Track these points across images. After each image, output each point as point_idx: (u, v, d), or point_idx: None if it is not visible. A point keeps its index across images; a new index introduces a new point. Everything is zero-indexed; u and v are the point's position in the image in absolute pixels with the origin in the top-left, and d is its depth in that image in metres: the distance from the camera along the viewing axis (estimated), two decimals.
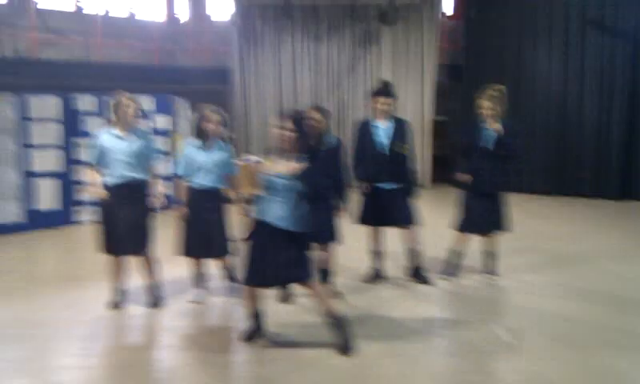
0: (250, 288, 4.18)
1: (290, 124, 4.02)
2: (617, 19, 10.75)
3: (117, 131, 4.87)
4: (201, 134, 4.92)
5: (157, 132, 9.85)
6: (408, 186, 5.43)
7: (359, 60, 13.12)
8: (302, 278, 4.10)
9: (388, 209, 5.34)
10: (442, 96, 13.01)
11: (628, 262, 6.48)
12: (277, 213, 4.00)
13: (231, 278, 5.25)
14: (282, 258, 3.99)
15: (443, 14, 13.35)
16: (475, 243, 5.76)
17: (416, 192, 5.51)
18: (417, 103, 12.74)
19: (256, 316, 4.29)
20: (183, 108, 10.84)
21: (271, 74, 13.09)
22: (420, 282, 5.61)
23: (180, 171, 4.99)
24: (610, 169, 11.04)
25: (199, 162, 4.89)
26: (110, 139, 4.85)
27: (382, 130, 5.39)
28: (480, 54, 12.57)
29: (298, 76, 13.13)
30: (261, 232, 4.06)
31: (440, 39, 12.98)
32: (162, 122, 10.09)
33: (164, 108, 10.13)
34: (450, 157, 11.82)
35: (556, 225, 8.86)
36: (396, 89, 13.03)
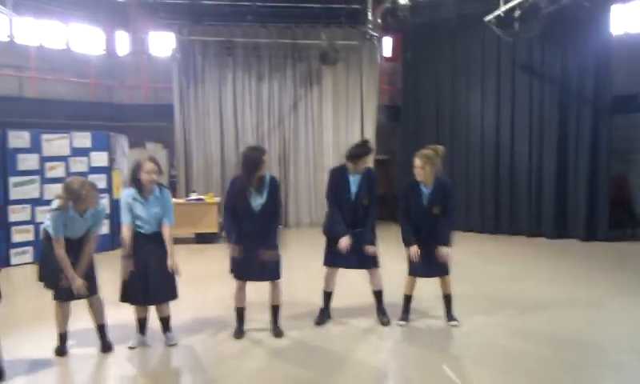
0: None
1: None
2: (544, 63, 11.37)
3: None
4: (137, 183, 4.84)
5: (94, 169, 9.58)
6: (371, 231, 5.59)
7: (301, 99, 13.29)
8: None
9: (354, 252, 5.46)
10: (383, 135, 13.30)
11: (571, 303, 6.70)
12: None
13: (167, 325, 5.16)
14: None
15: (382, 55, 13.74)
16: (432, 287, 5.84)
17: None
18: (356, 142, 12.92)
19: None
20: (121, 145, 10.59)
21: (212, 112, 13.00)
22: (381, 323, 5.68)
23: (124, 220, 4.84)
24: (543, 208, 11.53)
25: (137, 213, 4.82)
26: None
27: (353, 181, 5.54)
28: (416, 95, 13.02)
29: (239, 113, 13.10)
30: None
31: (379, 80, 13.34)
32: (98, 159, 9.79)
33: (101, 145, 9.84)
34: (390, 195, 12.06)
35: (498, 264, 9.10)
36: (338, 128, 13.46)
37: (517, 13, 9.19)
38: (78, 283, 4.62)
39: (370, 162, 5.79)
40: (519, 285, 7.57)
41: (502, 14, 9.60)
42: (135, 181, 4.84)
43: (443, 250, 5.44)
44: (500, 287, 7.40)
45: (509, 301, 6.67)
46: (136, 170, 4.83)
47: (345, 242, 5.40)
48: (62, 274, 4.62)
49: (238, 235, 5.07)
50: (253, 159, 5.04)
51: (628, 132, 11.36)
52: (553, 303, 6.59)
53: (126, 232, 4.80)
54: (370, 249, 5.50)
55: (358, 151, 5.54)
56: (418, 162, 5.44)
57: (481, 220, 12.07)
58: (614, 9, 10.93)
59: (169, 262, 4.83)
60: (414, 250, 5.43)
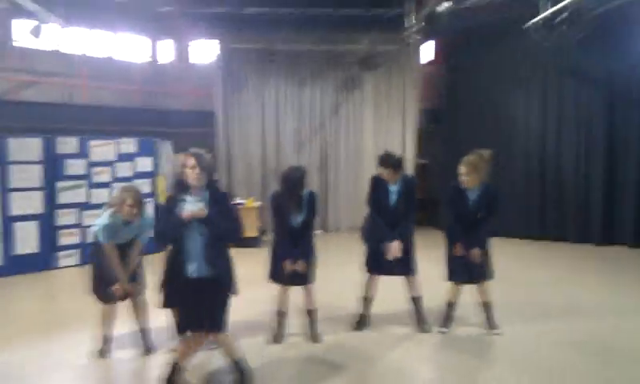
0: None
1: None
2: (589, 67, 11.07)
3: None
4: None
5: (139, 174, 9.83)
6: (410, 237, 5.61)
7: (341, 104, 13.31)
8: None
9: (395, 259, 5.47)
10: (424, 140, 13.20)
11: (620, 312, 6.50)
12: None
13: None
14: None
15: (425, 61, 13.60)
16: (471, 295, 5.75)
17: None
18: (399, 146, 12.88)
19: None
20: (165, 150, 10.84)
21: (254, 117, 13.15)
22: (421, 330, 5.65)
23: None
24: (591, 214, 11.21)
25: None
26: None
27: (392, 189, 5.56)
28: (459, 99, 12.84)
29: (280, 119, 13.21)
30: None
31: (420, 84, 13.23)
32: (143, 164, 10.04)
33: (146, 150, 10.09)
34: (431, 199, 11.92)
35: (542, 270, 8.89)
36: (378, 132, 13.38)
37: (560, 17, 8.98)
38: (127, 286, 4.77)
39: (408, 167, 5.77)
40: (564, 292, 7.37)
41: (543, 20, 9.41)
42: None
43: (475, 252, 5.35)
44: (544, 294, 7.22)
45: (553, 308, 6.50)
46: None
47: (395, 247, 5.39)
48: (111, 277, 4.76)
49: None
50: (294, 180, 5.08)
51: None
52: (599, 311, 6.40)
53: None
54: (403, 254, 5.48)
55: (395, 161, 5.53)
56: (463, 169, 5.37)
57: (526, 225, 11.77)
58: None
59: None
60: (458, 246, 5.37)
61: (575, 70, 11.23)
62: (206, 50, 13.89)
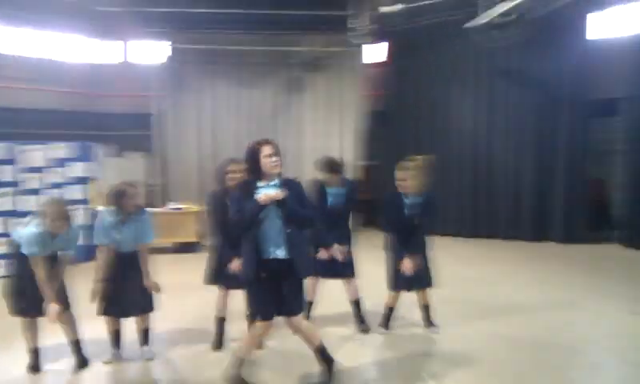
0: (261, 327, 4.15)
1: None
2: (523, 69, 11.51)
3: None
4: (118, 209, 4.76)
5: (70, 180, 9.46)
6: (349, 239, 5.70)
7: (284, 106, 13.22)
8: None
9: (335, 262, 5.47)
10: (370, 141, 13.25)
11: (550, 306, 6.74)
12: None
13: (146, 338, 5.09)
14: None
15: (370, 63, 13.69)
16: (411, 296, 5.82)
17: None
18: (340, 149, 12.88)
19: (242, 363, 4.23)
20: (99, 155, 10.46)
21: (193, 119, 12.94)
22: (361, 331, 5.68)
23: (98, 241, 4.77)
24: (522, 212, 11.63)
25: (115, 236, 4.77)
26: None
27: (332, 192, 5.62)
28: (404, 101, 13.05)
29: (221, 121, 13.05)
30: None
31: (364, 86, 13.31)
32: (75, 169, 9.63)
33: (77, 155, 9.67)
34: (375, 201, 12.02)
35: (476, 268, 9.14)
36: (320, 134, 13.34)
37: (496, 20, 9.28)
38: (53, 307, 4.53)
39: (350, 170, 5.84)
40: (498, 288, 7.64)
41: (481, 22, 9.69)
42: (117, 206, 4.76)
43: (416, 260, 5.37)
44: (479, 291, 7.45)
45: (487, 305, 6.70)
46: (119, 196, 4.76)
47: (335, 251, 5.41)
48: (33, 290, 4.53)
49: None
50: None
51: (605, 135, 11.49)
52: (531, 306, 6.65)
53: (102, 254, 4.75)
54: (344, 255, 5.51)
55: (335, 165, 5.58)
56: (399, 174, 5.39)
57: (459, 224, 12.12)
58: (591, 16, 11.10)
59: (145, 282, 4.82)
60: (407, 262, 5.33)
61: (509, 71, 11.63)
62: (147, 51, 13.55)
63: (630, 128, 10.74)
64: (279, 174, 4.09)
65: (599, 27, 11.22)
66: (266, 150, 4.05)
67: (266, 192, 3.92)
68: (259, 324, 4.16)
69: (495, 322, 6.07)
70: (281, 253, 3.99)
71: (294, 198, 4.00)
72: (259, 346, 4.63)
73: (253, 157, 4.07)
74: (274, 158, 4.04)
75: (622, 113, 10.96)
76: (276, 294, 4.04)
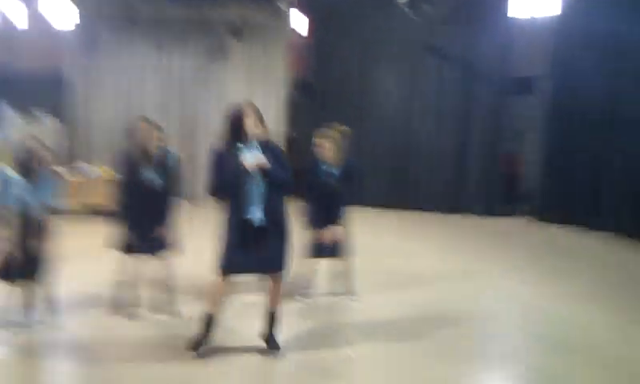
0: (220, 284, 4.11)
1: None
2: (448, 44, 11.72)
3: None
4: (24, 169, 4.56)
5: None
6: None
7: (207, 73, 12.84)
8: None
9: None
10: (295, 112, 13.12)
11: (460, 277, 7.00)
12: None
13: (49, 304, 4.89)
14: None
15: (295, 32, 13.47)
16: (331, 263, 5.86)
17: None
18: (267, 118, 12.67)
19: (209, 322, 4.18)
20: (11, 115, 9.86)
21: (111, 84, 12.42)
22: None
23: (1, 201, 4.53)
24: (442, 184, 11.94)
25: (19, 197, 4.53)
26: None
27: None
28: (328, 73, 12.98)
29: (142, 87, 12.57)
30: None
31: (292, 56, 13.11)
32: None
33: None
34: (298, 171, 11.96)
35: (395, 239, 9.33)
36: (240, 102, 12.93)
37: None
38: None
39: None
40: (413, 260, 7.88)
41: None
42: (25, 168, 4.55)
43: (338, 230, 5.44)
44: (396, 262, 7.63)
45: (402, 275, 6.89)
46: (26, 155, 4.57)
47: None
48: None
49: None
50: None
51: (523, 112, 11.93)
52: (442, 276, 6.95)
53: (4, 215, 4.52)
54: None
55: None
56: (317, 141, 5.43)
57: (380, 196, 12.20)
58: None
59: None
60: (326, 231, 5.39)
61: (435, 46, 11.79)
62: (61, 13, 12.75)
63: (545, 105, 11.18)
64: (260, 137, 4.13)
65: (521, 6, 11.49)
66: (250, 112, 4.11)
67: (255, 158, 3.99)
68: (218, 279, 4.12)
69: (407, 290, 6.27)
70: (260, 213, 4.07)
71: (273, 160, 4.07)
72: (218, 304, 4.37)
73: (237, 119, 4.09)
74: (257, 121, 4.11)
75: (539, 90, 11.38)
76: (252, 252, 4.07)
